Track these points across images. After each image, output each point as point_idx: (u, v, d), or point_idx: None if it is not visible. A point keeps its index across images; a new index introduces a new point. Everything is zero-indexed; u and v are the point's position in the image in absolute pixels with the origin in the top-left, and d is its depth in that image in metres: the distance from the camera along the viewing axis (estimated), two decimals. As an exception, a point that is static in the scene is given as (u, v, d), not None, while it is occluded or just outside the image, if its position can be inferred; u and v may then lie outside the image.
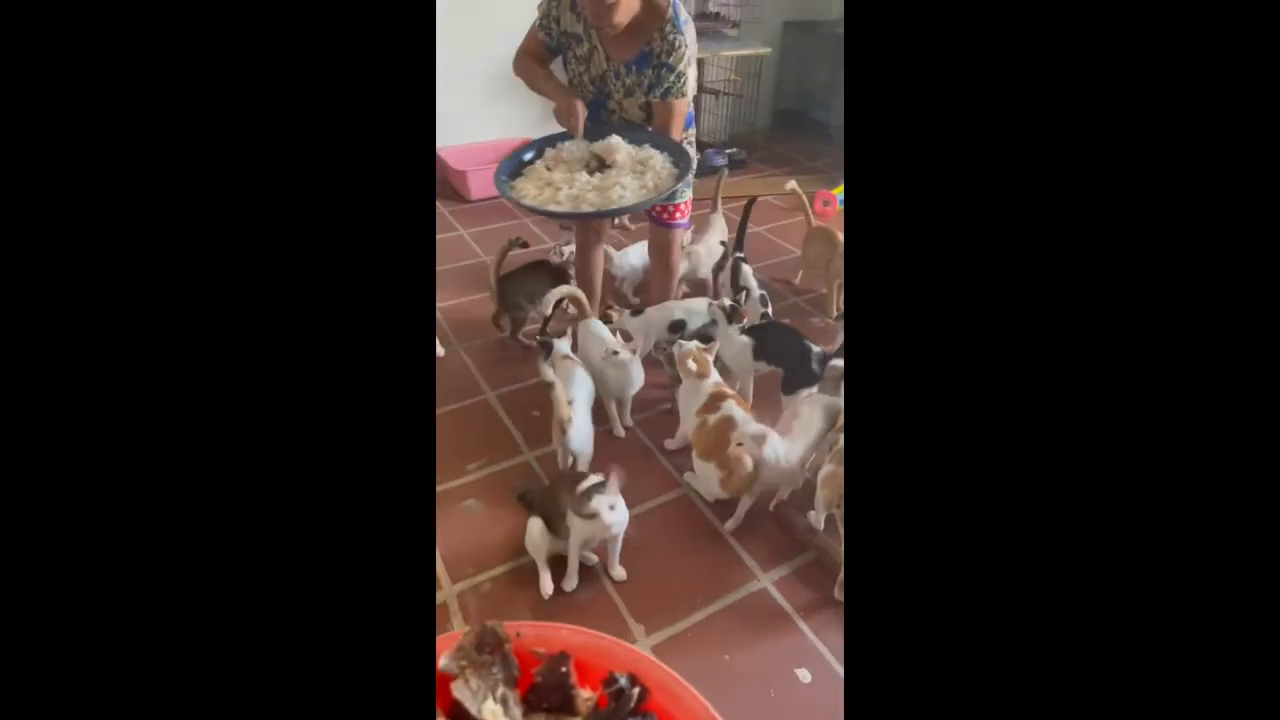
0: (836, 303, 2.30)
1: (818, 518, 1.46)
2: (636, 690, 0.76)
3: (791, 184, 2.48)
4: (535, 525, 1.36)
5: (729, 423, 1.46)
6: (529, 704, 0.76)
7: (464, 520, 1.54)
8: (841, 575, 1.35)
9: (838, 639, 1.28)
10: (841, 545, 1.34)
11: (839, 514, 1.32)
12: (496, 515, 1.54)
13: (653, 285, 2.11)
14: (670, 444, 1.73)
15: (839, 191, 3.14)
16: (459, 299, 2.38)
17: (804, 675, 1.21)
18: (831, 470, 1.37)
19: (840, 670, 1.23)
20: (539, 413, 1.84)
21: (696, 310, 1.90)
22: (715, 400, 1.51)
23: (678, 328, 1.89)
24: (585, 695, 0.77)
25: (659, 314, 1.92)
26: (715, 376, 1.57)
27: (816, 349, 1.68)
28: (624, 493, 1.28)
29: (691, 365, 1.55)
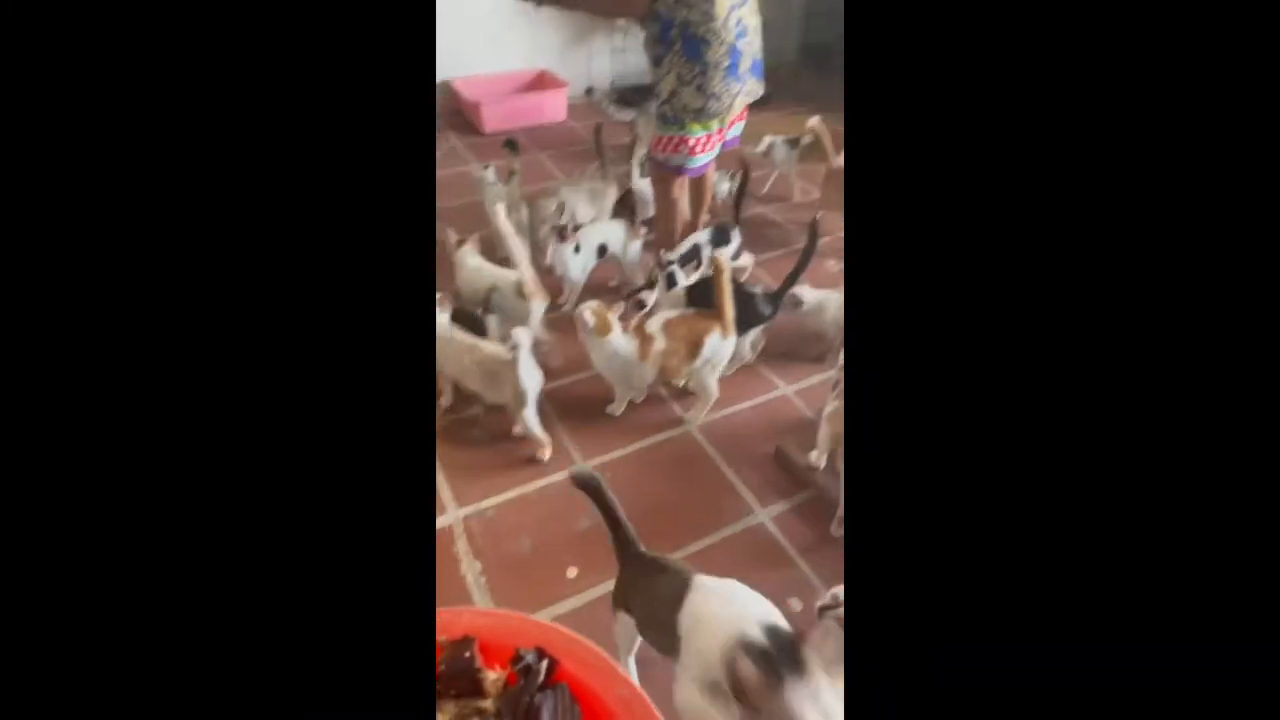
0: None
1: (820, 456, 1.45)
2: (545, 664, 0.76)
3: (815, 120, 2.37)
4: (625, 625, 1.05)
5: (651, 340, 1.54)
6: (437, 693, 0.74)
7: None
8: (840, 511, 1.36)
9: (833, 574, 1.29)
10: (841, 484, 1.34)
11: (840, 452, 1.32)
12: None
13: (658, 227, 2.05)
14: (611, 409, 1.67)
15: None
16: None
17: (795, 604, 1.23)
18: (836, 407, 1.35)
19: (832, 603, 1.25)
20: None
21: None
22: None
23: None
24: (493, 676, 0.77)
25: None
26: (618, 330, 1.53)
27: (758, 290, 1.72)
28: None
29: (590, 320, 1.51)
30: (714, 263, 1.53)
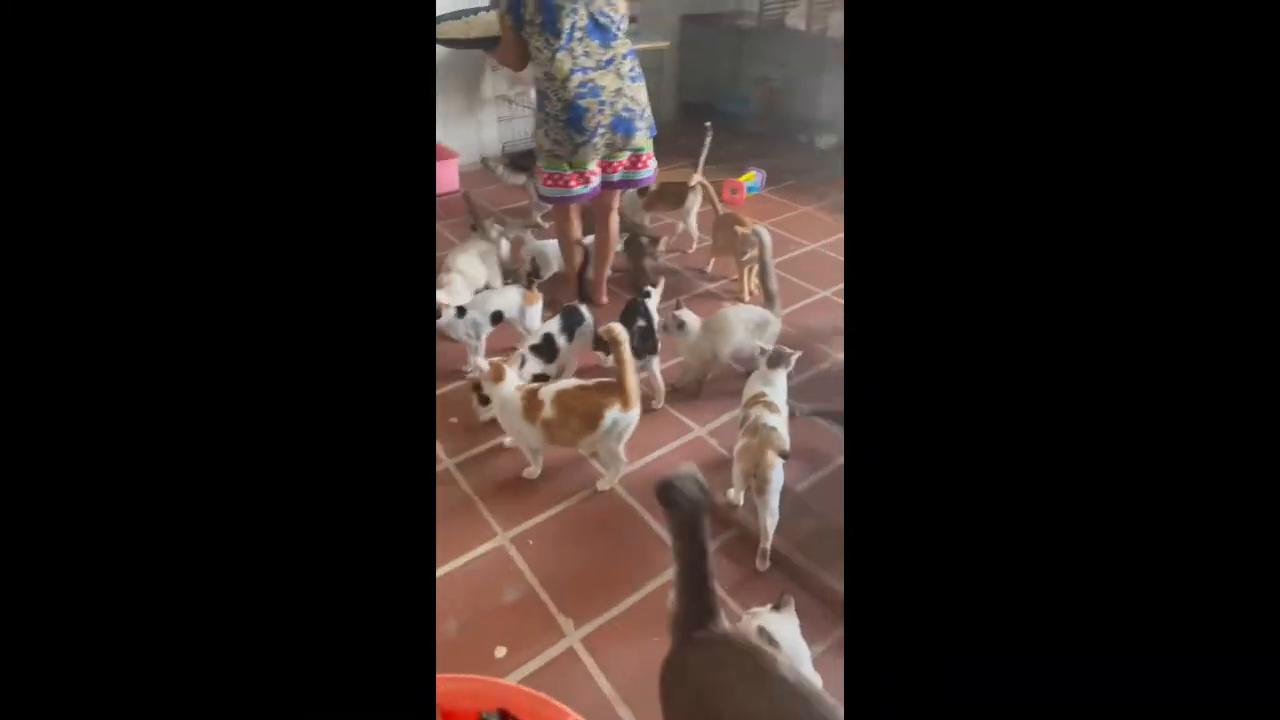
0: (748, 286, 2.36)
1: (737, 494, 1.49)
2: None
3: (697, 177, 2.54)
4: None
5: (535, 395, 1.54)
6: None
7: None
8: (764, 545, 1.39)
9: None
10: (760, 516, 1.38)
11: (755, 485, 1.36)
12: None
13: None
14: (528, 473, 1.64)
15: (746, 179, 3.22)
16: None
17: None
18: (744, 443, 1.40)
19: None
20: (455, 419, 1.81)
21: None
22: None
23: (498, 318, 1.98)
24: None
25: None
26: (513, 378, 1.57)
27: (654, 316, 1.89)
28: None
29: (485, 367, 1.55)
30: (609, 333, 1.48)
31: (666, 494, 0.78)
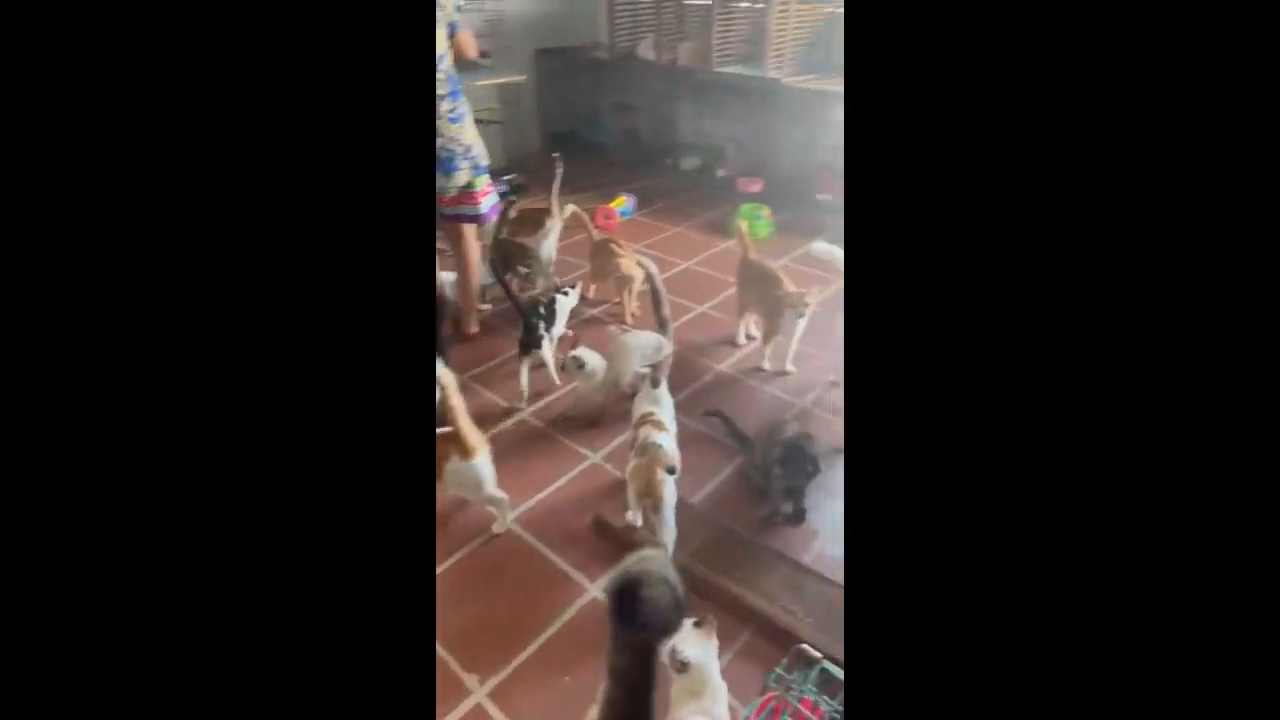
0: (631, 308, 2.40)
1: (635, 514, 1.49)
2: None
3: (570, 208, 2.57)
4: None
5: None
6: None
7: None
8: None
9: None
10: (658, 534, 1.38)
11: (649, 504, 1.37)
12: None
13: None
14: None
15: (617, 204, 3.29)
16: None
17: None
18: (634, 464, 1.41)
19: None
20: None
21: None
22: None
23: None
24: None
25: None
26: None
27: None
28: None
29: None
30: (439, 379, 1.40)
31: (630, 604, 0.55)
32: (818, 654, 1.08)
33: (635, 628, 0.60)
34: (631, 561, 0.69)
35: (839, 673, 1.05)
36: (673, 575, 0.70)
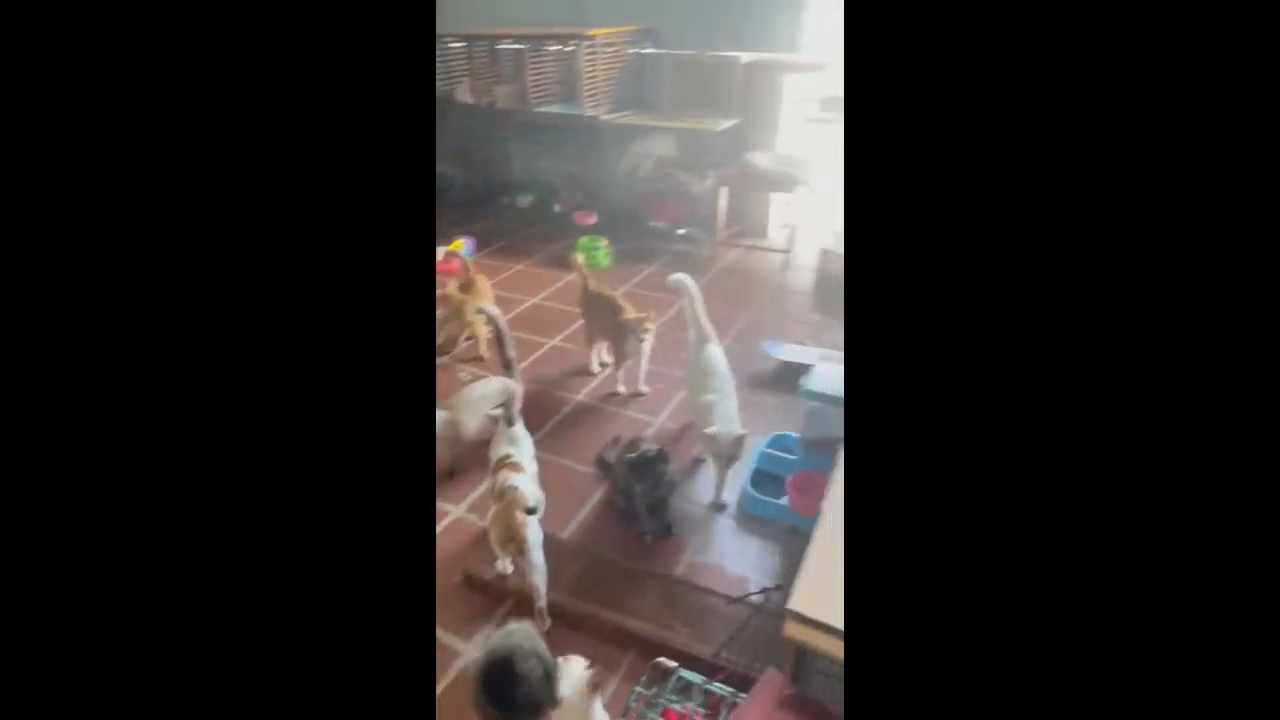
0: (482, 350, 2.36)
1: (503, 562, 1.45)
2: None
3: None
4: None
5: None
6: None
7: None
8: (538, 604, 1.36)
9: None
10: (528, 576, 1.35)
11: (514, 549, 1.33)
12: None
13: None
14: None
15: (455, 247, 3.23)
16: None
17: None
18: (493, 510, 1.37)
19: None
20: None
21: None
22: None
23: None
24: None
25: None
26: None
27: None
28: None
29: None
30: None
31: (504, 685, 0.52)
32: (673, 664, 1.11)
33: (511, 709, 0.59)
34: (497, 639, 0.66)
35: (696, 679, 1.09)
36: (541, 645, 0.69)
